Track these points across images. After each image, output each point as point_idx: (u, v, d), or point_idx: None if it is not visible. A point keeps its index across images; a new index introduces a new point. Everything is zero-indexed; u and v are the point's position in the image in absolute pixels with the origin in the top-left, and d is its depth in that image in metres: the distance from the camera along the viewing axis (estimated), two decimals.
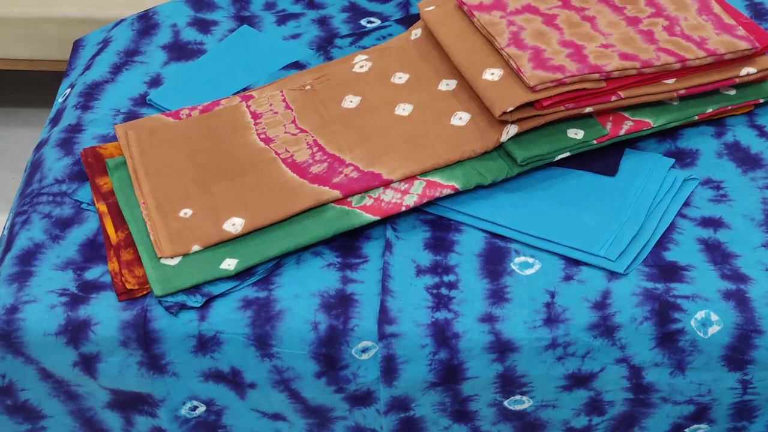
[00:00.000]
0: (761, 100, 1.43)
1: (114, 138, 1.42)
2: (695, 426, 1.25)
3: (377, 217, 1.26)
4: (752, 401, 1.22)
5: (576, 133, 1.33)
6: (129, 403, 1.26)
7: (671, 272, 1.22)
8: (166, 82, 1.53)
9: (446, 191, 1.28)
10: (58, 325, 1.19)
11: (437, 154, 1.31)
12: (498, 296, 1.20)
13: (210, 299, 1.21)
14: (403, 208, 1.26)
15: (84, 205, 1.33)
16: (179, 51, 1.59)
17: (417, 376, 1.19)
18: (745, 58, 1.39)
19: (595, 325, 1.18)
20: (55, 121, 1.50)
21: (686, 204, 1.30)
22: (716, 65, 1.38)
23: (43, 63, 2.06)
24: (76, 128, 1.45)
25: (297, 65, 1.54)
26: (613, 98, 1.33)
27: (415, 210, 1.29)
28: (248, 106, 1.43)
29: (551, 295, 1.20)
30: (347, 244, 1.27)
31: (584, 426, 1.26)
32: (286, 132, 1.38)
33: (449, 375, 1.19)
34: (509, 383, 1.20)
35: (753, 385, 1.20)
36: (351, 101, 1.42)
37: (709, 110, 1.39)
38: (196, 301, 1.19)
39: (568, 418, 1.25)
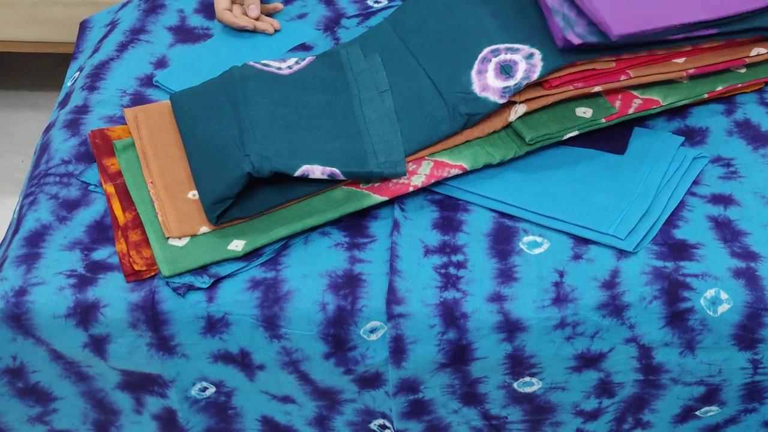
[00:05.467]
0: None
1: (121, 119, 1.42)
2: (706, 408, 1.25)
3: (385, 198, 1.25)
4: (763, 382, 1.22)
5: (584, 112, 1.32)
6: (139, 384, 1.26)
7: (681, 250, 1.21)
8: (173, 63, 1.52)
9: (454, 171, 1.28)
10: (67, 308, 1.20)
11: None
12: (506, 276, 1.20)
13: (218, 280, 1.21)
14: (411, 189, 1.26)
15: (91, 187, 1.33)
16: (185, 34, 1.59)
17: (425, 357, 1.19)
18: (755, 38, 1.38)
19: (604, 305, 1.17)
20: (63, 104, 1.51)
21: (696, 182, 1.30)
22: (726, 45, 1.38)
23: (50, 45, 2.06)
24: (82, 109, 1.45)
25: (304, 47, 1.54)
26: (622, 77, 1.33)
27: (423, 190, 1.29)
28: None
29: (560, 274, 1.19)
30: (355, 223, 1.26)
31: (594, 409, 1.25)
32: None
33: (458, 355, 1.19)
34: (518, 364, 1.20)
35: (763, 364, 1.20)
36: None
37: (719, 88, 1.39)
38: (203, 282, 1.19)
39: (578, 400, 1.24)
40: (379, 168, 1.25)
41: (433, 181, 1.27)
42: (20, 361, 1.24)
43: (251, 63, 1.39)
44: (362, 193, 1.26)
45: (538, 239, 1.24)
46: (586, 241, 1.23)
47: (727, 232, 1.23)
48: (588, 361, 1.20)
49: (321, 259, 1.22)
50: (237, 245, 1.22)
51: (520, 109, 1.29)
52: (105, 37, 1.61)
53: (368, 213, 1.28)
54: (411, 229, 1.25)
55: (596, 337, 1.18)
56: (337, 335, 1.19)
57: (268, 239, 1.22)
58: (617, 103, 1.34)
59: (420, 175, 1.27)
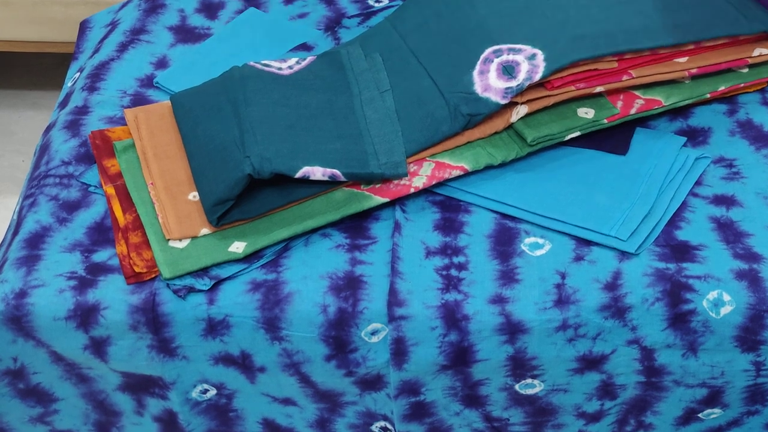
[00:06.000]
0: None
1: (121, 120, 1.42)
2: (708, 410, 1.24)
3: (387, 199, 1.25)
4: (765, 384, 1.21)
5: (586, 113, 1.32)
6: (140, 386, 1.26)
7: (683, 252, 1.21)
8: (173, 64, 1.52)
9: (456, 172, 1.27)
10: (68, 310, 1.19)
11: None
12: (508, 277, 1.19)
13: (218, 282, 1.20)
14: (412, 190, 1.26)
15: (91, 188, 1.33)
16: (186, 33, 1.58)
17: (427, 359, 1.19)
18: (758, 38, 1.38)
19: (606, 306, 1.17)
20: (63, 105, 1.50)
21: (698, 183, 1.29)
22: (729, 45, 1.37)
23: (51, 45, 2.06)
24: (82, 110, 1.44)
25: (305, 47, 1.53)
26: (625, 78, 1.32)
27: (425, 191, 1.29)
28: None
29: (562, 276, 1.19)
30: (356, 225, 1.26)
31: (596, 410, 1.25)
32: None
33: (459, 357, 1.18)
34: (520, 366, 1.19)
35: (766, 366, 1.20)
36: None
37: (721, 88, 1.38)
38: (204, 284, 1.19)
39: (579, 402, 1.24)
40: (380, 169, 1.24)
41: (434, 182, 1.27)
42: (21, 363, 1.24)
43: (251, 63, 1.39)
44: (363, 194, 1.25)
45: (540, 241, 1.23)
46: (588, 243, 1.22)
47: (729, 233, 1.23)
48: (590, 362, 1.20)
49: (322, 261, 1.22)
50: (238, 247, 1.21)
51: (522, 110, 1.29)
52: (105, 37, 1.61)
53: (369, 214, 1.27)
54: (412, 230, 1.24)
55: (598, 338, 1.18)
56: (338, 337, 1.19)
57: (269, 241, 1.22)
58: (619, 104, 1.33)
59: (421, 176, 1.27)
